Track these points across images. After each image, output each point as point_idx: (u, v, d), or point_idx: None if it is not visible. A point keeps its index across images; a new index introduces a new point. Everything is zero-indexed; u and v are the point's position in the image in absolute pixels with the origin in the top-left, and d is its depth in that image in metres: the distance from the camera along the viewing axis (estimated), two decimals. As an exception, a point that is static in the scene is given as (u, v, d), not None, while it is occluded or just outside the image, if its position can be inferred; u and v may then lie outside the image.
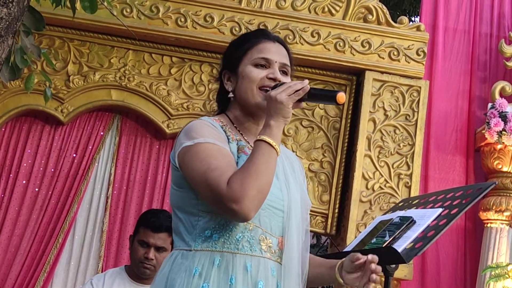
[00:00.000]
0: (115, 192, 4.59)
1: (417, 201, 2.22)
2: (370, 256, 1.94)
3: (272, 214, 2.02)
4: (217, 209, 1.95)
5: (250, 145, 2.08)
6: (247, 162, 1.93)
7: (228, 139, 2.06)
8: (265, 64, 2.12)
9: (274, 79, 2.09)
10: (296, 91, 2.00)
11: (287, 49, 2.21)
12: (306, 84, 2.02)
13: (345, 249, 2.13)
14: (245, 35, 2.25)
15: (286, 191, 2.06)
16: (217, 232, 1.98)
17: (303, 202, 2.12)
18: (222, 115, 2.17)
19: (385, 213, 2.23)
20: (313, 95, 2.03)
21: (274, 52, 2.14)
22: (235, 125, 2.14)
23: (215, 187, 1.89)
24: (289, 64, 2.17)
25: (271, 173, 1.93)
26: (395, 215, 2.10)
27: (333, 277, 2.07)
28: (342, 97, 1.99)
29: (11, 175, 4.50)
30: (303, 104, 2.09)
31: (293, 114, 2.04)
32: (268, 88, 2.07)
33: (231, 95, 2.15)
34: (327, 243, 8.61)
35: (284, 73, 2.15)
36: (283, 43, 2.21)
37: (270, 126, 1.98)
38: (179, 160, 2.02)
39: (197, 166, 1.95)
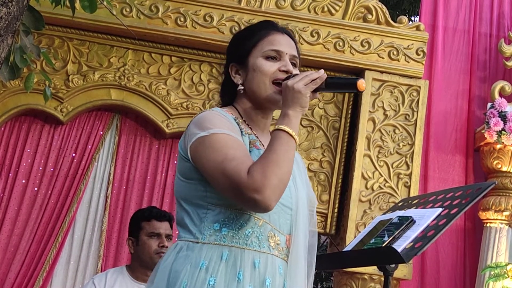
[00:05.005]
0: (114, 191, 4.59)
1: (416, 201, 2.22)
2: None
3: (281, 211, 1.99)
4: (235, 200, 1.90)
5: (260, 140, 2.06)
6: (266, 152, 1.90)
7: (242, 132, 2.03)
8: (276, 56, 2.08)
9: (286, 72, 2.05)
10: (313, 80, 1.97)
11: (295, 41, 2.17)
12: (322, 73, 1.99)
13: (345, 249, 2.13)
14: (253, 27, 2.20)
15: (294, 189, 2.03)
16: (226, 226, 1.94)
17: (309, 200, 2.10)
18: (231, 107, 2.12)
19: (384, 213, 2.23)
20: (330, 84, 1.99)
21: (285, 44, 2.10)
22: (243, 118, 2.10)
23: (235, 177, 1.85)
24: (297, 55, 2.14)
25: (291, 163, 1.90)
26: (395, 215, 2.10)
27: None
28: (362, 83, 1.94)
29: (10, 174, 4.50)
30: (318, 94, 2.05)
31: (291, 113, 2.00)
32: (280, 81, 2.04)
33: (240, 87, 2.10)
34: (326, 242, 8.61)
35: (294, 65, 2.11)
36: (290, 34, 2.17)
37: (289, 116, 1.95)
38: (191, 151, 1.97)
39: (213, 156, 1.91)
